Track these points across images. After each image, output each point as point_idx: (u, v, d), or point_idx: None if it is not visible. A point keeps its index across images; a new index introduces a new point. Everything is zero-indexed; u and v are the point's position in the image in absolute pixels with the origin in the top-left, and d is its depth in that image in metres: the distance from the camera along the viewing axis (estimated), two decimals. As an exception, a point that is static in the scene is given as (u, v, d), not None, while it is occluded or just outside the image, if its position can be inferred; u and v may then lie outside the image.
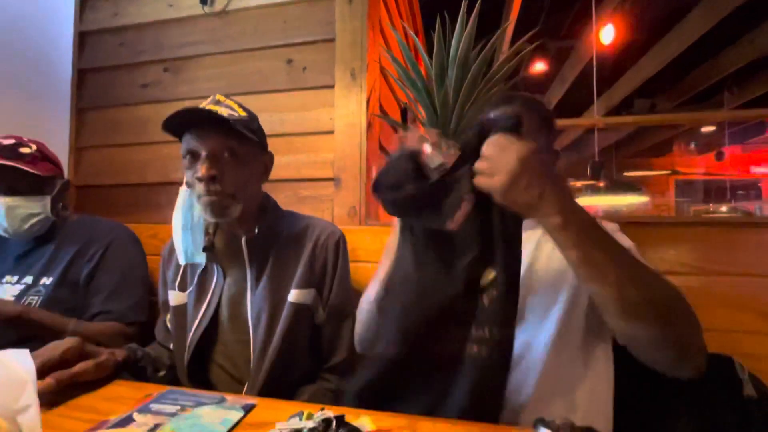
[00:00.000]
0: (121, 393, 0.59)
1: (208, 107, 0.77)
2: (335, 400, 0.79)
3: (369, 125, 1.23)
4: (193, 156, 0.76)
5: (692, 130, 6.65)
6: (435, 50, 1.11)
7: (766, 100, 4.51)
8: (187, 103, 1.33)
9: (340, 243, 0.87)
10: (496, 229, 0.53)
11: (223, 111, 0.76)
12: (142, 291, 1.06)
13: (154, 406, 0.52)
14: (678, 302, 0.51)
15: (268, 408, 0.53)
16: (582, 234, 0.48)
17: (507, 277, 0.52)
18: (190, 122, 0.76)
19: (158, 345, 0.88)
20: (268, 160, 0.89)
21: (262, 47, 1.31)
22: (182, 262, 0.82)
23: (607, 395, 0.65)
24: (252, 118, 0.83)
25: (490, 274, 0.53)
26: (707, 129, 6.33)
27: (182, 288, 0.85)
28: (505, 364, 0.52)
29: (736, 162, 7.44)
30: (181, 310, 0.84)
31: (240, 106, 0.83)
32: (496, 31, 1.12)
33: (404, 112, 1.65)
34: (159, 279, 0.92)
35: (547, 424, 0.39)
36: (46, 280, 0.97)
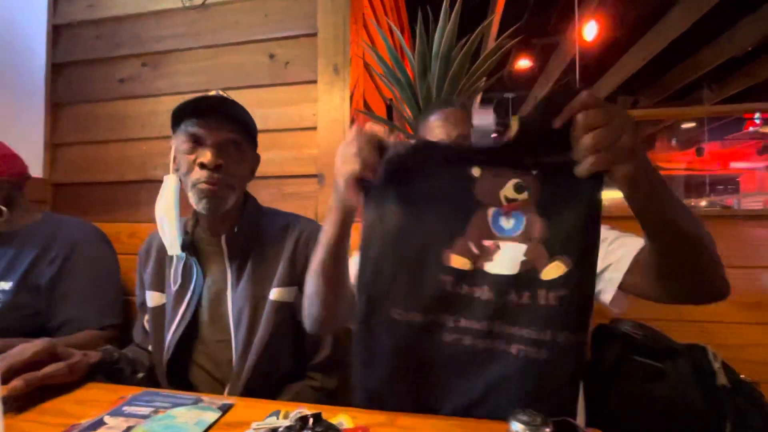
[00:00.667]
0: (94, 396, 0.58)
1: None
2: (321, 397, 0.79)
3: (353, 121, 1.22)
4: (196, 142, 0.76)
5: (673, 126, 6.80)
6: (417, 45, 1.11)
7: (744, 96, 4.63)
8: (166, 99, 1.34)
9: None
10: (571, 213, 0.48)
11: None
12: (113, 293, 1.02)
13: (127, 409, 0.50)
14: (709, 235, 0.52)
15: (246, 408, 0.53)
16: (663, 191, 0.45)
17: (582, 272, 0.47)
18: (196, 110, 0.76)
19: (136, 347, 0.87)
20: (256, 161, 0.88)
21: (244, 41, 1.28)
22: (173, 253, 0.81)
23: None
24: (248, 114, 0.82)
25: (559, 268, 0.48)
26: (688, 125, 6.48)
27: (160, 288, 0.84)
28: (574, 372, 0.48)
29: (716, 157, 7.65)
30: (159, 311, 0.82)
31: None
32: (483, 24, 1.12)
33: (390, 109, 1.65)
34: (136, 280, 0.89)
35: (520, 417, 0.39)
36: (5, 285, 0.92)
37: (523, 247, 0.50)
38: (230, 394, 0.74)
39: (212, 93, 0.79)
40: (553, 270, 0.48)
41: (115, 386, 0.61)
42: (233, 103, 0.77)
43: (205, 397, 0.54)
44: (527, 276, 0.49)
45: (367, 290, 0.53)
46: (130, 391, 0.57)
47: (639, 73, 3.84)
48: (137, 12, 1.36)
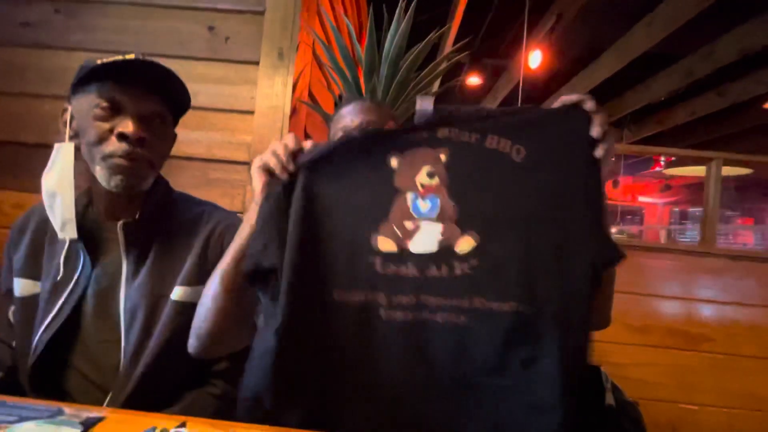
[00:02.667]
0: None
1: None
2: (222, 407, 0.72)
3: (294, 111, 1.16)
4: (115, 108, 0.65)
5: (597, 158, 7.50)
6: (366, 45, 1.08)
7: (656, 137, 5.25)
8: (80, 54, 1.17)
9: None
10: (475, 194, 0.56)
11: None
12: None
13: (-42, 421, 0.41)
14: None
15: (118, 422, 0.46)
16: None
17: (491, 243, 0.55)
18: (120, 71, 0.65)
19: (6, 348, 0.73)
20: (174, 139, 0.78)
21: (181, 6, 1.17)
22: (66, 236, 0.68)
23: None
24: None
25: (469, 242, 0.55)
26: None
27: (34, 275, 0.71)
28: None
29: (627, 190, 8.59)
30: (29, 302, 0.69)
31: None
32: (433, 32, 1.12)
33: (338, 105, 1.60)
34: (3, 262, 0.75)
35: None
36: None
37: (440, 226, 0.56)
38: (112, 402, 0.65)
39: (129, 56, 0.68)
40: (465, 244, 0.55)
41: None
42: (170, 74, 0.69)
43: (69, 409, 0.46)
44: (445, 251, 0.56)
45: (301, 275, 0.54)
46: (-27, 397, 0.47)
47: (573, 106, 4.19)
48: (54, -50, 1.18)
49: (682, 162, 4.17)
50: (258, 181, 0.59)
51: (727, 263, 1.08)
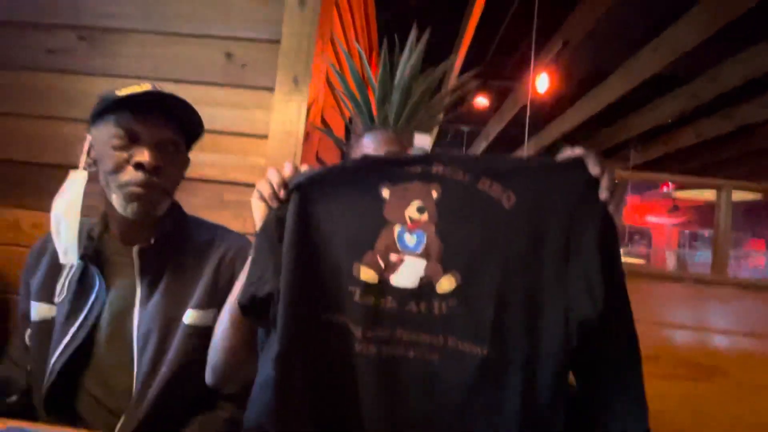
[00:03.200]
0: (-57, 426, 0.48)
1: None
2: (232, 430, 0.72)
3: (307, 135, 1.19)
4: (131, 138, 0.68)
5: (603, 177, 7.49)
6: (380, 74, 1.11)
7: (663, 160, 5.24)
8: (102, 80, 1.21)
9: None
10: (462, 234, 0.56)
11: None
12: None
13: (-19, 449, 0.42)
14: None
15: (135, 450, 0.46)
16: None
17: (471, 287, 0.54)
18: (136, 102, 0.69)
19: (12, 365, 0.74)
20: (187, 160, 0.82)
21: (200, 35, 1.21)
22: (67, 261, 0.70)
23: None
24: None
25: (451, 282, 0.55)
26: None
27: (50, 299, 0.72)
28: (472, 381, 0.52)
29: (635, 210, 8.54)
30: (45, 326, 0.70)
31: None
32: (445, 61, 1.15)
33: (348, 130, 1.63)
34: (20, 286, 0.77)
35: None
36: None
37: (423, 262, 0.56)
38: (126, 426, 0.65)
39: (145, 87, 0.71)
40: (446, 283, 0.55)
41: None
42: (184, 104, 0.72)
43: (87, 436, 0.46)
44: (426, 288, 0.55)
45: (296, 299, 0.54)
46: (-8, 424, 0.47)
47: (579, 127, 4.21)
48: (81, -20, 1.24)
49: (689, 185, 4.15)
50: (256, 212, 0.60)
51: (739, 292, 1.07)
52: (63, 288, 0.71)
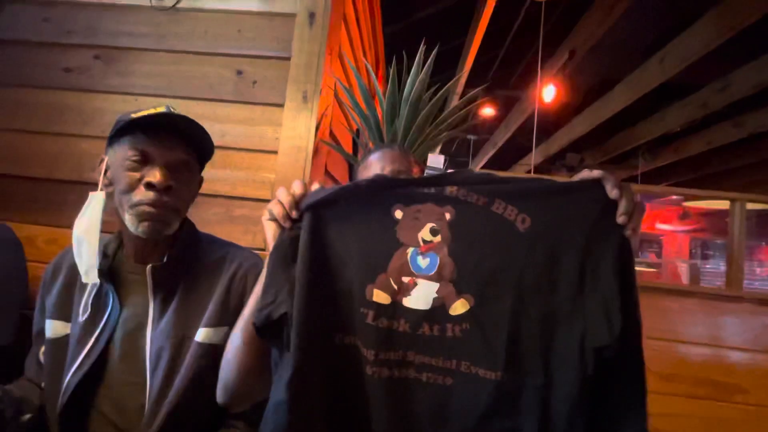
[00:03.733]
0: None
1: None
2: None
3: (316, 150, 1.20)
4: (144, 159, 0.70)
5: (612, 185, 7.42)
6: (389, 90, 1.12)
7: (671, 167, 5.19)
8: (117, 98, 1.24)
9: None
10: (476, 256, 0.55)
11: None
12: (7, 305, 0.88)
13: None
14: None
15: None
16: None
17: (484, 308, 0.54)
18: (148, 123, 0.70)
19: (27, 382, 0.74)
20: (200, 183, 0.83)
21: (212, 53, 1.24)
22: (89, 280, 0.71)
23: None
24: None
25: (464, 305, 0.55)
26: (624, 186, 7.11)
27: (64, 317, 0.73)
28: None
29: (645, 217, 8.44)
30: (60, 344, 0.71)
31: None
32: (451, 71, 1.17)
33: (356, 143, 1.65)
34: (36, 304, 0.78)
35: None
36: None
37: (436, 285, 0.55)
38: None
39: (160, 109, 0.73)
40: (459, 306, 0.55)
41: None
42: (195, 125, 0.73)
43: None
44: (439, 311, 0.55)
45: (309, 321, 0.54)
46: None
47: (586, 136, 4.19)
48: (96, 1, 1.27)
49: (702, 197, 4.10)
50: (268, 232, 0.59)
51: (756, 307, 1.04)
52: (87, 306, 0.72)
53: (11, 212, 1.17)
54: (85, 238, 0.70)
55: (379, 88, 1.27)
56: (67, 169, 1.22)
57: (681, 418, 0.95)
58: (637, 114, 3.80)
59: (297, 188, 0.58)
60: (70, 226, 1.16)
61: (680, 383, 0.97)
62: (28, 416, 0.67)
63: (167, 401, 0.67)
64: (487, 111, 4.07)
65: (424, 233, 0.56)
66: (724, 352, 0.99)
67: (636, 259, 0.59)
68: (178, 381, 0.68)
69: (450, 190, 0.56)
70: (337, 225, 0.57)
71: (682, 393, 0.96)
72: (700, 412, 0.95)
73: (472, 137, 5.61)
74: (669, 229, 8.66)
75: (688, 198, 4.66)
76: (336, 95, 1.32)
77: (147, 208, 0.69)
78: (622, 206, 0.53)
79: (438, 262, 0.56)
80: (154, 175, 0.68)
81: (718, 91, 2.98)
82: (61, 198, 1.20)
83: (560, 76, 2.99)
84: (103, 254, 0.74)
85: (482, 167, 6.08)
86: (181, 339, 0.70)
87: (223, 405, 0.63)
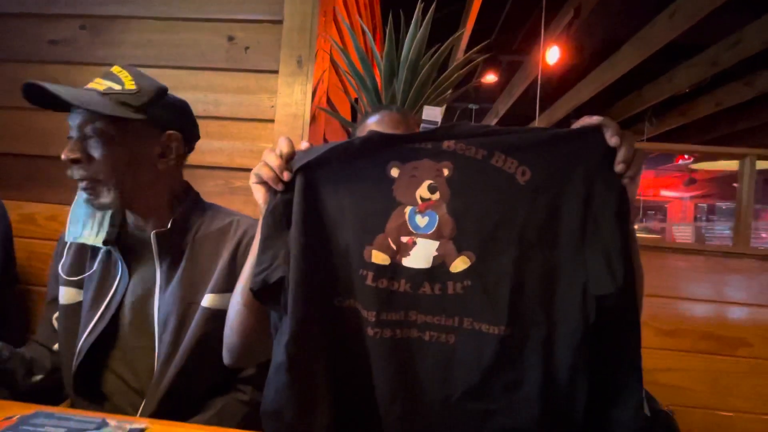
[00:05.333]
0: (-25, 413, 0.49)
1: (97, 80, 0.71)
2: (250, 412, 0.73)
3: (313, 118, 1.17)
4: (69, 135, 0.71)
5: (616, 152, 7.32)
6: (386, 51, 1.08)
7: (679, 131, 5.08)
8: (106, 69, 1.20)
9: None
10: (476, 213, 0.55)
11: (103, 85, 0.69)
12: None
13: (11, 434, 0.43)
14: None
15: (159, 432, 0.47)
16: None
17: (485, 264, 0.54)
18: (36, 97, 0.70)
19: (38, 345, 0.77)
20: (169, 141, 0.76)
21: (201, 18, 1.19)
22: (67, 238, 0.75)
23: None
24: (141, 92, 0.71)
25: (465, 262, 0.54)
26: (629, 153, 7.00)
27: (77, 285, 0.75)
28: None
29: (649, 185, 8.36)
30: (72, 310, 0.74)
31: (135, 77, 0.73)
32: (453, 35, 1.12)
33: (354, 109, 1.60)
34: (49, 273, 0.80)
35: None
36: None
37: (436, 243, 0.54)
38: (148, 404, 0.68)
39: (94, 83, 0.71)
40: (459, 263, 0.54)
41: (3, 403, 0.53)
42: (46, 90, 0.68)
43: (112, 420, 0.48)
44: (439, 269, 0.54)
45: (306, 284, 0.54)
46: (21, 410, 0.49)
47: (591, 101, 4.09)
48: (79, -32, 1.22)
49: (709, 156, 4.03)
50: (258, 195, 0.58)
51: (762, 263, 1.03)
52: (98, 273, 0.74)
53: (10, 190, 1.16)
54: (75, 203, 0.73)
55: (377, 51, 1.22)
56: (62, 146, 1.19)
57: (684, 372, 0.96)
58: (644, 76, 3.69)
59: (284, 147, 0.56)
60: (68, 203, 1.17)
61: (683, 339, 0.97)
62: (39, 377, 0.69)
63: (173, 364, 0.69)
64: (489, 77, 3.96)
65: (422, 191, 0.55)
66: (728, 308, 0.99)
67: (640, 226, 0.57)
68: (185, 344, 0.70)
69: (447, 144, 0.54)
70: (331, 186, 0.56)
71: (686, 348, 0.97)
72: (702, 366, 0.96)
73: (473, 106, 5.49)
74: (674, 196, 8.59)
75: (696, 159, 4.59)
76: (332, 59, 1.27)
77: (77, 183, 0.70)
78: (621, 154, 0.51)
79: (437, 220, 0.54)
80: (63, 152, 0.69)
81: (728, 47, 2.88)
82: (57, 174, 1.19)
83: (564, 37, 2.88)
84: (111, 224, 0.76)
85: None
86: (188, 305, 0.72)
87: (230, 366, 0.64)
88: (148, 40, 1.20)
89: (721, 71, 3.17)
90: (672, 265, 1.03)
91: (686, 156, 6.00)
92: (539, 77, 2.96)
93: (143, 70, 0.79)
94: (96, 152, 0.69)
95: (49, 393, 0.74)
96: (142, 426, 0.47)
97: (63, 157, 0.68)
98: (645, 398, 0.69)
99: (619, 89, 3.85)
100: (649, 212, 8.64)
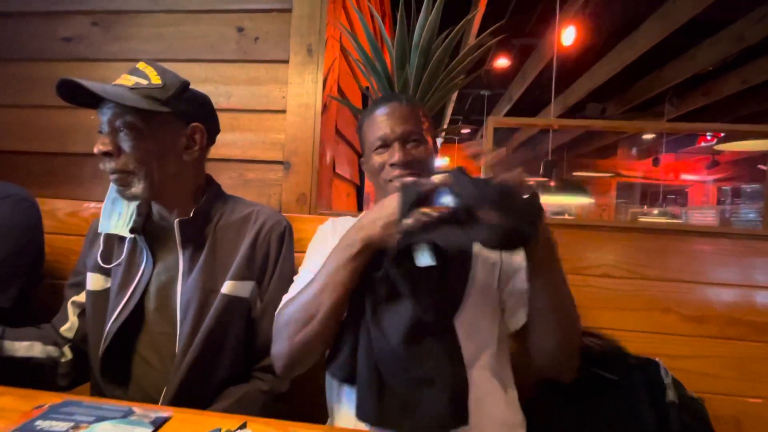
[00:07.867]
0: (5, 404, 0.50)
1: (124, 77, 0.73)
2: (269, 401, 0.74)
3: (325, 107, 1.16)
4: (100, 130, 0.73)
5: (635, 136, 7.11)
6: (397, 35, 1.05)
7: (701, 112, 4.89)
8: (120, 65, 1.21)
9: (286, 234, 0.82)
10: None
11: (131, 80, 0.71)
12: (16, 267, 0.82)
13: (40, 424, 0.44)
14: (578, 318, 0.66)
15: (183, 421, 0.48)
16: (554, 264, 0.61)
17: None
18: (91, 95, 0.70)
19: (48, 325, 0.81)
20: (193, 133, 0.78)
21: (210, 10, 1.18)
22: (100, 230, 0.79)
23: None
24: (166, 87, 0.73)
25: None
26: (648, 136, 6.80)
27: (105, 272, 0.79)
28: None
29: (669, 168, 8.11)
30: (101, 296, 0.77)
31: (160, 72, 0.74)
32: (464, 18, 1.08)
33: (365, 98, 1.58)
34: (79, 261, 0.85)
35: None
36: None
37: None
38: (168, 389, 0.70)
39: (122, 80, 0.73)
40: None
41: (33, 392, 0.54)
42: (82, 86, 0.68)
43: (138, 409, 0.48)
44: None
45: None
46: (50, 399, 0.50)
47: (608, 83, 3.95)
48: (88, -37, 1.22)
49: (733, 136, 3.87)
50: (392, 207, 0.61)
51: (794, 246, 0.99)
52: (125, 261, 0.78)
53: (30, 187, 1.18)
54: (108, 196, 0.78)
55: (387, 37, 1.20)
56: (80, 143, 1.22)
57: (712, 358, 0.93)
58: (664, 55, 3.54)
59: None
60: (88, 198, 1.19)
61: (711, 324, 0.94)
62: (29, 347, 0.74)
63: (192, 349, 0.71)
64: (501, 62, 3.87)
65: None
66: (756, 292, 0.95)
67: (660, 210, 0.57)
68: (203, 330, 0.72)
69: None
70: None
71: (713, 334, 0.94)
72: (731, 352, 0.93)
73: (486, 92, 5.39)
74: (696, 180, 8.31)
75: (720, 140, 4.42)
76: (342, 46, 1.25)
77: (109, 175, 0.73)
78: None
79: None
80: (96, 145, 0.71)
81: (755, 22, 2.73)
82: (77, 171, 1.21)
83: (581, 16, 2.78)
84: (137, 213, 0.79)
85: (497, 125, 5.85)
86: (209, 292, 0.74)
87: (282, 372, 0.67)
88: (158, 34, 1.20)
89: (746, 47, 3.02)
90: (697, 249, 1.00)
91: (709, 137, 5.78)
92: (554, 59, 2.87)
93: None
94: (126, 145, 0.72)
95: (77, 377, 0.80)
96: (168, 414, 0.48)
97: (95, 150, 0.71)
98: (672, 384, 0.68)
99: (638, 69, 3.71)
100: (669, 197, 8.40)
